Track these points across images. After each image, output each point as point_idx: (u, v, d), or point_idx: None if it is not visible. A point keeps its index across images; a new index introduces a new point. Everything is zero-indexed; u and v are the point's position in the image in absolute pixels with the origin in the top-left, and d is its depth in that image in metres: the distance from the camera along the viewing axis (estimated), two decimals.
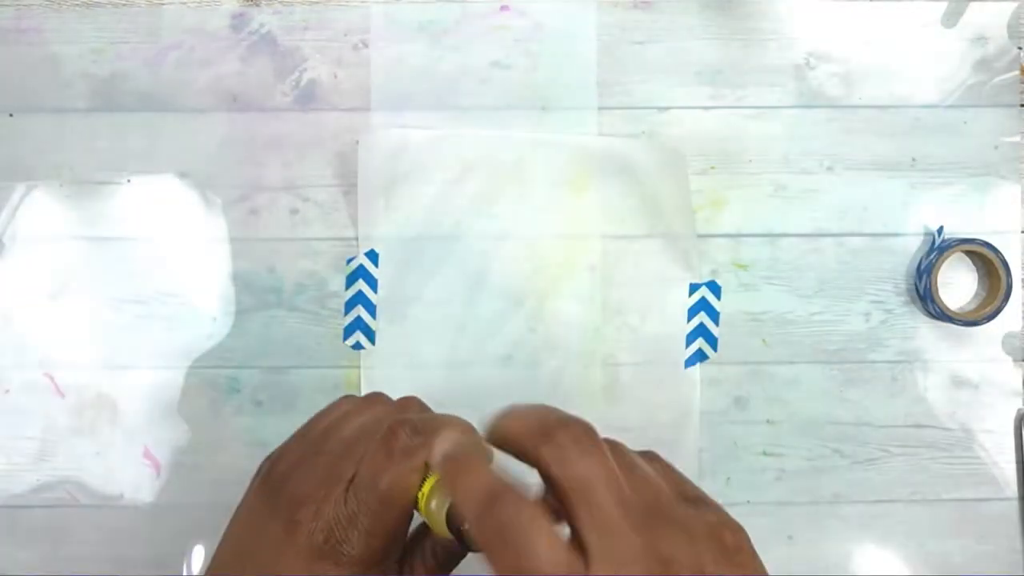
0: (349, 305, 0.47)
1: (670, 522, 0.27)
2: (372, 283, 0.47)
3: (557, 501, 0.27)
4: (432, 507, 0.30)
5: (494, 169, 0.47)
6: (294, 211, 0.47)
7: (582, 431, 0.28)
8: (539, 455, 0.27)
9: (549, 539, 0.25)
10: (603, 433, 0.32)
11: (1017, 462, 0.47)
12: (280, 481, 0.33)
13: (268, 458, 0.35)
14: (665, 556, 0.25)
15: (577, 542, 0.26)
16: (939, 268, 0.46)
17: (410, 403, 0.36)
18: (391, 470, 0.31)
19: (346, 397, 0.37)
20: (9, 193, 0.47)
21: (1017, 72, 0.47)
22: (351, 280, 0.47)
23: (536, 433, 0.28)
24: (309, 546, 0.31)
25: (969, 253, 0.47)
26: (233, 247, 0.47)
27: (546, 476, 0.27)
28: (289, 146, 0.47)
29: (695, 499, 0.28)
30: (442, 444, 0.31)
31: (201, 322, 0.47)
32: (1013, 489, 0.47)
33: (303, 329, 0.47)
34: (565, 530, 0.26)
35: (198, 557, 0.46)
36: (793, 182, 0.47)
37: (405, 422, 0.32)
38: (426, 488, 0.31)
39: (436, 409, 0.46)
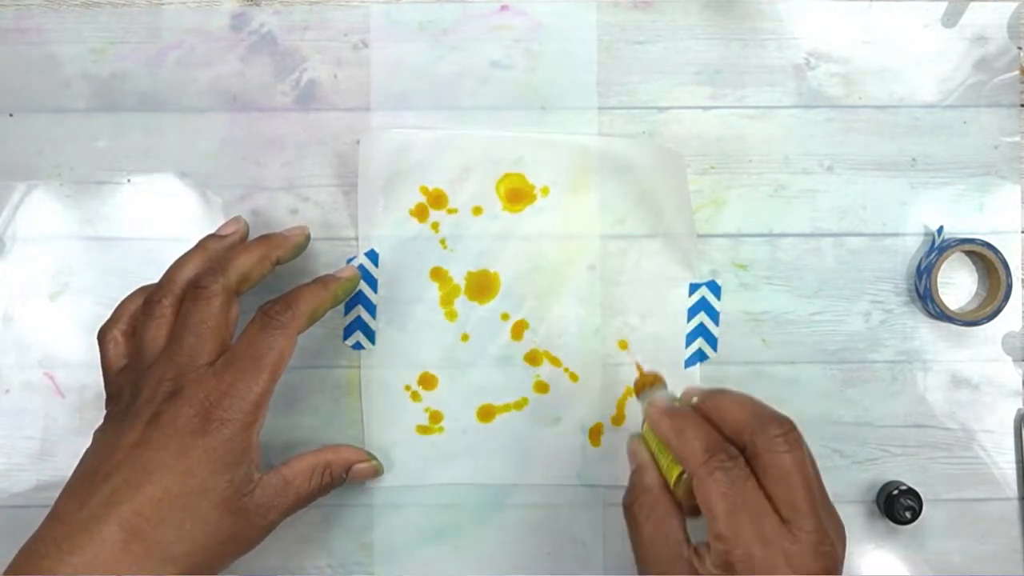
0: (349, 305, 0.47)
1: (827, 512, 0.35)
2: (372, 283, 0.47)
3: (758, 479, 0.35)
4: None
5: (494, 169, 0.47)
6: (294, 211, 0.47)
7: (791, 426, 0.35)
8: (755, 439, 0.35)
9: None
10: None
11: (1017, 462, 0.47)
12: (127, 406, 0.39)
13: None
14: (828, 533, 0.34)
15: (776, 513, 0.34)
16: (939, 268, 0.46)
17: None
18: (267, 340, 0.39)
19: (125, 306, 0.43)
20: (9, 193, 0.47)
21: (1017, 72, 0.47)
22: None
23: (753, 420, 0.35)
24: (183, 429, 0.37)
25: (969, 253, 0.47)
26: None
27: (754, 458, 0.35)
28: (289, 146, 0.47)
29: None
30: (306, 306, 0.40)
31: None
32: (1013, 489, 0.47)
33: None
34: None
35: None
36: (793, 182, 0.47)
37: (274, 303, 0.40)
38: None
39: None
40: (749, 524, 0.33)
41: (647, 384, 0.41)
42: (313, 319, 0.41)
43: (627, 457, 0.40)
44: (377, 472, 0.45)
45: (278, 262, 0.43)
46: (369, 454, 0.45)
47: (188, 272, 0.42)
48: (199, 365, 0.38)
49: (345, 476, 0.43)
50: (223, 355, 0.39)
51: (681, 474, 0.37)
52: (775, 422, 0.35)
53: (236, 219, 0.46)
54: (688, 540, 0.36)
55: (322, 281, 0.43)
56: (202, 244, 0.44)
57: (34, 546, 0.35)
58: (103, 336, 0.42)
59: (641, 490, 0.38)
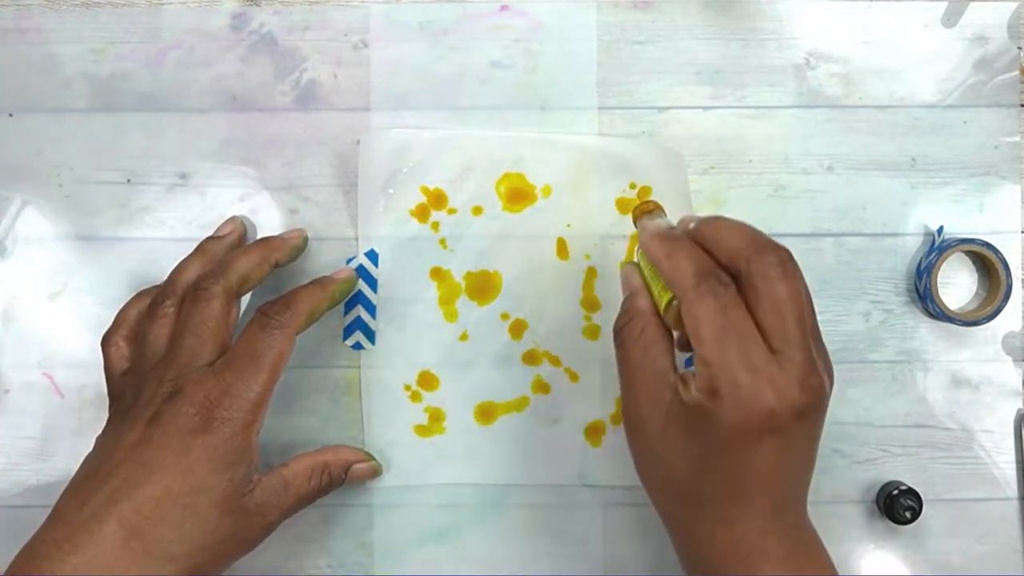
0: (349, 305, 0.47)
1: (819, 348, 0.34)
2: (372, 283, 0.47)
3: (750, 308, 0.33)
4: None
5: (494, 169, 0.47)
6: (294, 211, 0.47)
7: (788, 256, 0.34)
8: (750, 266, 0.33)
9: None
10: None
11: (1017, 462, 0.47)
12: (130, 405, 0.39)
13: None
14: (816, 367, 0.33)
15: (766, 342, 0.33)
16: (939, 268, 0.46)
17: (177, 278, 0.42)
18: (267, 340, 0.39)
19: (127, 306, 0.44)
20: (9, 193, 0.47)
21: (1017, 72, 0.47)
22: None
23: (750, 246, 0.34)
24: (183, 429, 0.37)
25: (969, 253, 0.47)
26: None
27: (748, 286, 0.33)
28: (289, 146, 0.47)
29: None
30: (304, 307, 0.40)
31: None
32: (1013, 489, 0.47)
33: None
34: None
35: None
36: (793, 182, 0.47)
37: (272, 303, 0.40)
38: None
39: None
40: (736, 351, 0.32)
41: (645, 211, 0.39)
42: (311, 319, 0.42)
43: (620, 285, 0.39)
44: (376, 472, 0.45)
45: (277, 264, 0.44)
46: (368, 454, 0.45)
47: (190, 275, 0.42)
48: (199, 365, 0.38)
49: (344, 476, 0.43)
50: (223, 355, 0.39)
51: (671, 300, 0.35)
52: (772, 249, 0.34)
53: (233, 219, 0.46)
54: (675, 368, 0.35)
55: (320, 282, 0.43)
56: (201, 247, 0.44)
57: (35, 546, 0.35)
58: (106, 342, 0.42)
59: (632, 314, 0.37)
